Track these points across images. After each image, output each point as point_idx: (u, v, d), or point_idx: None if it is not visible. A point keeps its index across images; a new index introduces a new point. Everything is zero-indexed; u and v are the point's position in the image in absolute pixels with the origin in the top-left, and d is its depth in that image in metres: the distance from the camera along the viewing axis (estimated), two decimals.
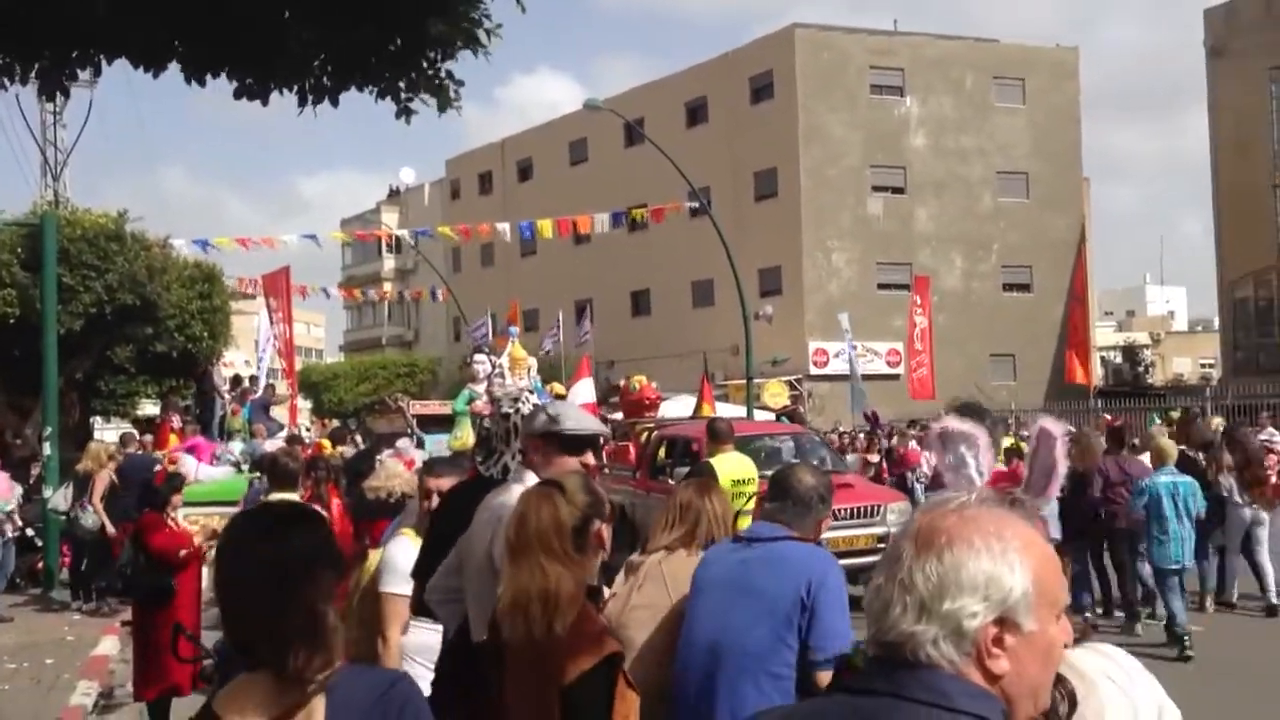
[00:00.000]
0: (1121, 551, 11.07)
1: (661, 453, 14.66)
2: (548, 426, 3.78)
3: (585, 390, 17.20)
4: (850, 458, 18.88)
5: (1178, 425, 17.26)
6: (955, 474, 2.69)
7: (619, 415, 18.99)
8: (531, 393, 4.56)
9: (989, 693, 1.59)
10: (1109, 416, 21.67)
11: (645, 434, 16.27)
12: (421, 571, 4.10)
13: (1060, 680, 2.06)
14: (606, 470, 14.62)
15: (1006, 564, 1.62)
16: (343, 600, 5.68)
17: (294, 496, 6.64)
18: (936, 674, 1.58)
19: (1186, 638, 9.70)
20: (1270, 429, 18.72)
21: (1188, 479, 10.47)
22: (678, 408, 20.74)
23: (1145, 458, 11.37)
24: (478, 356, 16.42)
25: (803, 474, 3.79)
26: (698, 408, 18.48)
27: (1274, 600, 11.49)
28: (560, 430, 3.76)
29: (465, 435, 14.62)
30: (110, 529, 12.23)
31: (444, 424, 16.38)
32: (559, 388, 17.75)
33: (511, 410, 4.21)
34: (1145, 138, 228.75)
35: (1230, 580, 11.95)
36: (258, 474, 11.41)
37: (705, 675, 3.44)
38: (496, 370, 15.88)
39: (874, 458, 18.52)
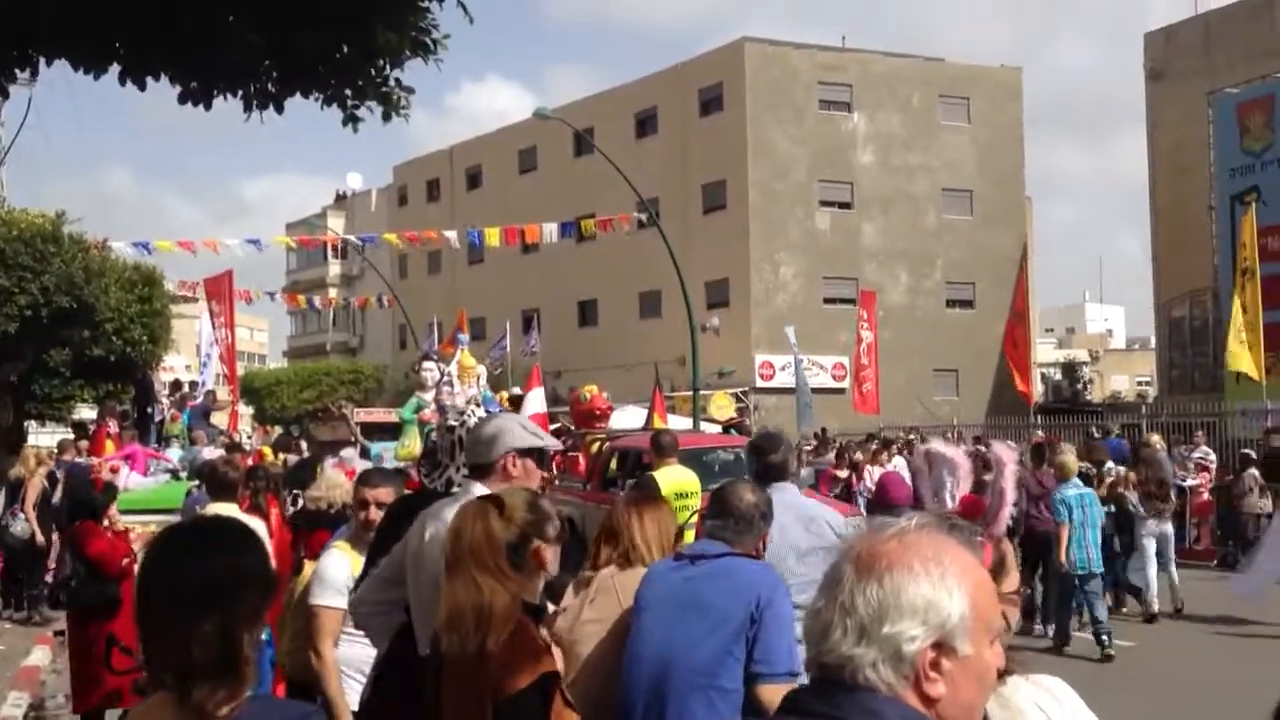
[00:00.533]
0: (1051, 563, 11.40)
1: (613, 465, 14.51)
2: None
3: (536, 400, 16.96)
4: (804, 471, 18.71)
5: (1082, 443, 17.61)
6: (934, 497, 2.72)
7: (555, 426, 18.71)
8: (479, 404, 4.54)
9: (924, 716, 1.60)
10: (1040, 434, 21.94)
11: (596, 445, 16.09)
12: None
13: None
14: (557, 482, 14.50)
15: (945, 589, 1.64)
16: (275, 617, 5.61)
17: (232, 507, 6.52)
18: (873, 697, 1.58)
19: (1106, 637, 10.44)
20: (1204, 447, 19.10)
21: (1089, 491, 11.48)
22: (625, 419, 20.68)
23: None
24: (426, 364, 16.07)
25: (744, 491, 3.81)
26: (649, 419, 18.38)
27: (1154, 609, 12.51)
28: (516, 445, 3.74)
29: (412, 444, 14.42)
30: (40, 537, 11.98)
31: (388, 432, 16.24)
32: (506, 396, 17.61)
33: (457, 423, 4.18)
34: (1086, 158, 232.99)
35: (1148, 591, 12.63)
36: (197, 482, 11.23)
37: (653, 691, 3.44)
38: (445, 378, 15.65)
39: (843, 473, 18.46)
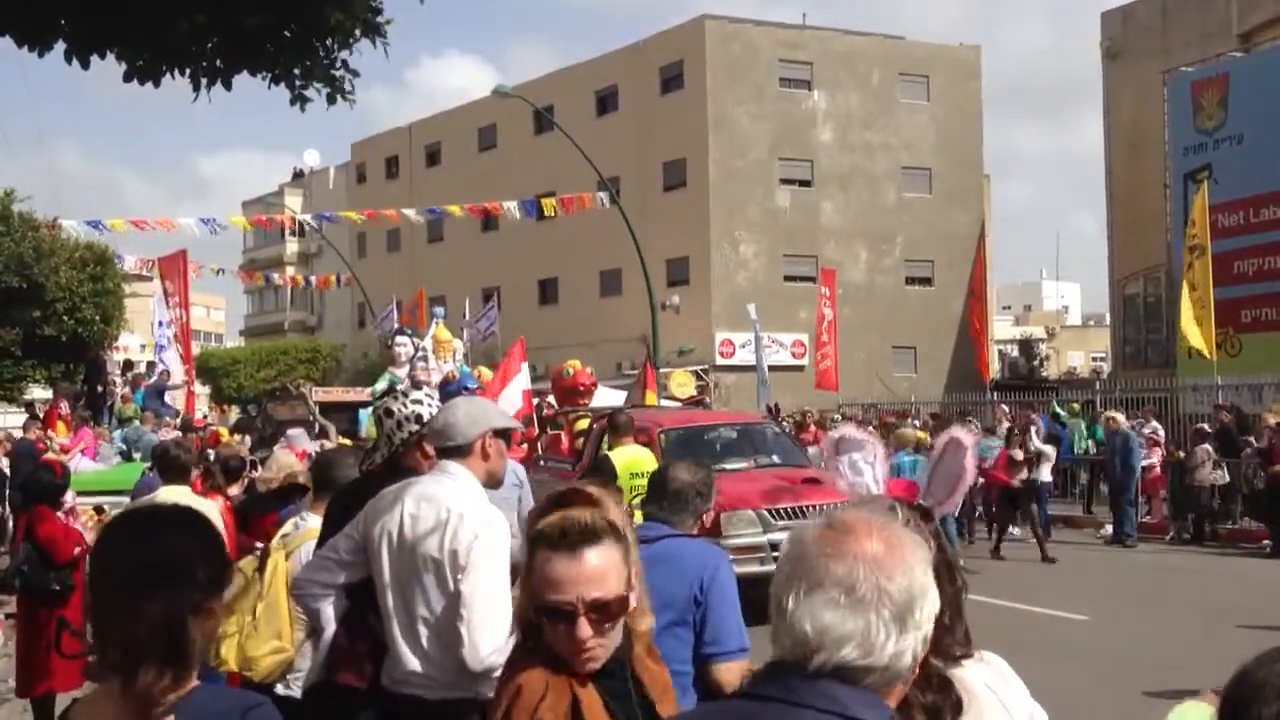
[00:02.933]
0: None
1: (605, 444, 13.84)
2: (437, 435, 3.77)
3: (521, 376, 15.75)
4: (812, 450, 18.40)
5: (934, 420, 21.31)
6: (851, 485, 2.72)
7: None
8: (432, 396, 4.51)
9: (881, 699, 1.60)
10: (1006, 408, 22.23)
11: (582, 422, 14.99)
12: None
13: (948, 688, 2.12)
14: (542, 463, 14.06)
15: (930, 574, 1.66)
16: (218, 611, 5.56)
17: (185, 489, 6.47)
18: (832, 683, 1.57)
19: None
20: (1154, 422, 19.38)
21: (916, 457, 12.98)
22: (596, 397, 20.32)
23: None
24: (399, 339, 15.47)
25: (678, 471, 3.82)
26: (641, 394, 17.88)
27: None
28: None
29: None
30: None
31: (347, 411, 16.02)
32: (487, 373, 16.89)
33: (396, 408, 4.17)
34: (1044, 137, 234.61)
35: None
36: (149, 464, 11.12)
37: None
38: (420, 353, 15.17)
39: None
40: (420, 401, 4.19)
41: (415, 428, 4.10)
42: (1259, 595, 11.71)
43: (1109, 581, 13.75)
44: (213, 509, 6.52)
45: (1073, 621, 11.20)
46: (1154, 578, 13.98)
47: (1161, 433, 19.06)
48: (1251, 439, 17.16)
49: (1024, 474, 15.98)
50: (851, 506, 1.72)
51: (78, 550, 7.08)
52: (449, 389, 13.20)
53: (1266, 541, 15.84)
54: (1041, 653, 8.53)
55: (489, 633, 3.46)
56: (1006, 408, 21.53)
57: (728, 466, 11.58)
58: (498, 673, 3.52)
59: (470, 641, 3.44)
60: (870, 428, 14.63)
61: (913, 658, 1.60)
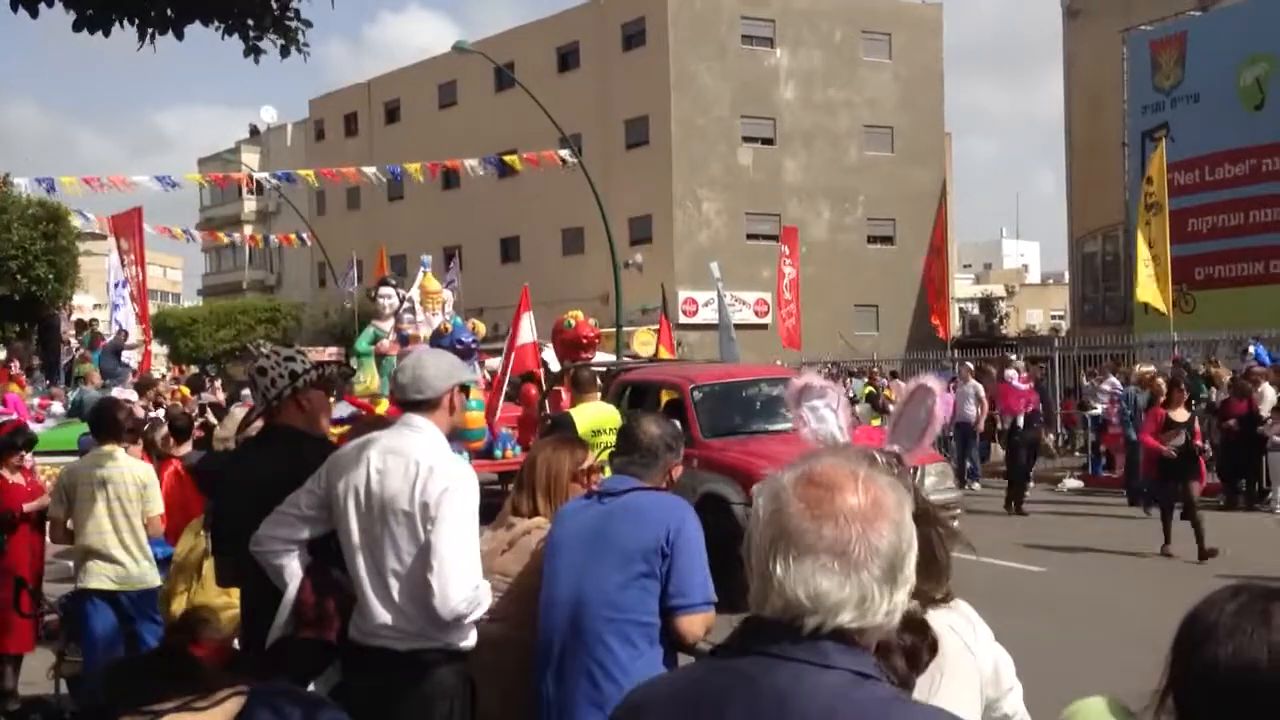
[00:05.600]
0: None
1: (625, 404, 11.90)
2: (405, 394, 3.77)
3: (525, 327, 14.57)
4: (860, 408, 17.59)
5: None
6: (815, 433, 2.71)
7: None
8: (304, 353, 4.54)
9: (866, 650, 1.59)
10: (971, 365, 22.39)
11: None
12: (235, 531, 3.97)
13: (924, 628, 2.14)
14: (549, 422, 13.22)
15: (910, 522, 1.63)
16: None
17: (119, 449, 6.38)
18: (825, 642, 1.55)
19: None
20: (1112, 378, 19.61)
21: None
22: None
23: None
24: (384, 290, 14.59)
25: (647, 424, 3.82)
26: (656, 349, 17.39)
27: None
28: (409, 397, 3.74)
29: (370, 379, 13.85)
30: None
31: None
32: (481, 325, 16.45)
33: (268, 365, 4.19)
34: (1005, 95, 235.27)
35: None
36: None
37: (569, 629, 3.45)
38: (406, 304, 14.67)
39: None
40: (293, 359, 4.25)
41: (287, 384, 4.14)
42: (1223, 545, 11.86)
43: (1068, 535, 13.95)
44: (149, 471, 6.47)
45: (1029, 573, 11.37)
46: (1117, 530, 14.18)
47: (1121, 388, 19.29)
48: (1209, 395, 17.41)
49: (1179, 439, 12.14)
50: (827, 455, 1.67)
51: (26, 507, 6.97)
52: (442, 342, 12.79)
53: (1222, 495, 16.09)
54: (999, 602, 8.66)
55: (458, 582, 3.48)
56: (971, 365, 21.67)
57: (770, 428, 10.61)
58: (469, 620, 3.53)
59: (440, 591, 3.46)
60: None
61: (900, 611, 1.59)
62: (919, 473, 10.65)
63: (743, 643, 1.60)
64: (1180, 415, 12.36)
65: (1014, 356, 20.60)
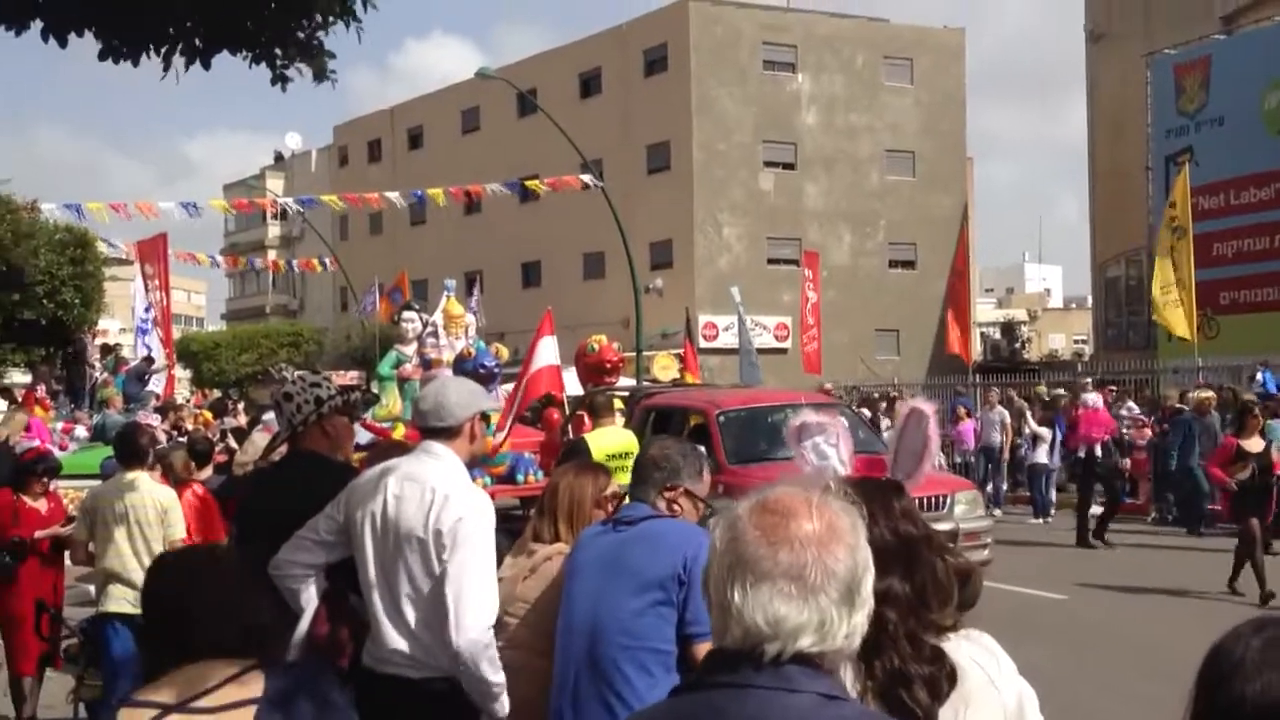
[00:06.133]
0: None
1: (650, 429, 11.76)
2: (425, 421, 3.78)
3: (548, 350, 14.04)
4: (887, 435, 16.85)
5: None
6: (818, 470, 2.70)
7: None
8: (329, 379, 4.55)
9: (827, 672, 1.60)
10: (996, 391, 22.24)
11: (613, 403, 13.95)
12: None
13: (941, 658, 2.12)
14: None
15: (865, 548, 1.65)
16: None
17: (144, 474, 6.43)
18: (787, 667, 1.56)
19: None
20: (1130, 403, 19.46)
21: None
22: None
23: None
24: (406, 314, 14.27)
25: (646, 447, 3.85)
26: (680, 374, 17.20)
27: None
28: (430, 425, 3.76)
29: (392, 403, 13.85)
30: None
31: None
32: (504, 350, 16.41)
33: (294, 391, 4.21)
34: (1027, 119, 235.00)
35: None
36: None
37: (585, 656, 3.44)
38: (429, 329, 14.65)
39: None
40: (318, 385, 4.27)
41: (313, 409, 4.16)
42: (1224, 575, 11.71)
43: (1090, 562, 13.82)
44: (171, 496, 6.51)
45: (1051, 600, 11.26)
46: (1141, 558, 14.05)
47: (1138, 412, 19.14)
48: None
49: (1246, 472, 11.03)
50: (781, 484, 1.68)
51: (25, 537, 7.02)
52: (466, 366, 12.78)
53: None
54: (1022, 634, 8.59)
55: (473, 613, 3.48)
56: (998, 390, 21.52)
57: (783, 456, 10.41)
58: (490, 651, 3.52)
59: (456, 620, 3.46)
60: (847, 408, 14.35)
61: (860, 634, 1.59)
62: (949, 501, 10.58)
63: (706, 676, 1.60)
64: (1254, 445, 11.30)
65: (1087, 380, 19.39)
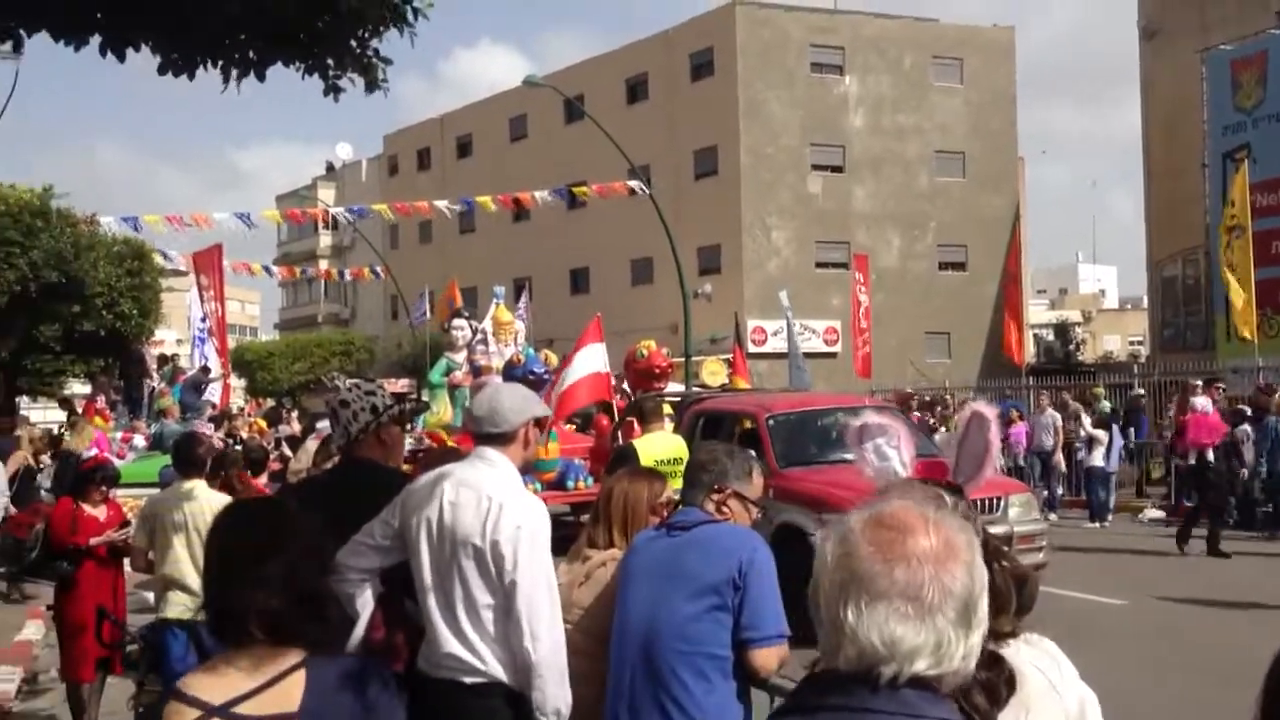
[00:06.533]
0: None
1: (699, 434, 11.71)
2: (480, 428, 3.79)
3: (596, 357, 14.12)
4: (939, 437, 15.93)
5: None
6: (879, 472, 2.67)
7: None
8: (383, 387, 4.56)
9: (944, 696, 1.55)
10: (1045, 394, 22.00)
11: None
12: None
13: (999, 663, 2.10)
14: None
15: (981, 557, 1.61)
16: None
17: (201, 483, 6.53)
18: (903, 691, 1.51)
19: None
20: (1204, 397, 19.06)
21: None
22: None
23: None
24: (456, 321, 14.66)
25: (695, 451, 3.83)
26: (730, 379, 17.12)
27: None
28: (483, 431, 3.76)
29: (442, 410, 13.92)
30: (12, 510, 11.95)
31: None
32: (554, 357, 16.46)
33: (351, 398, 4.23)
34: (1079, 118, 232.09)
35: None
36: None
37: (641, 662, 3.44)
38: (479, 336, 14.70)
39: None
40: (374, 393, 4.28)
41: (370, 418, 4.17)
42: None
43: (1149, 567, 13.60)
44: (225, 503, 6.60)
45: (1109, 606, 11.10)
46: (1201, 563, 13.80)
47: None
48: None
49: None
50: (894, 495, 1.64)
51: (94, 541, 7.14)
52: (515, 373, 12.85)
53: None
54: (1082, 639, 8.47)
55: (547, 623, 3.51)
56: (1048, 394, 21.24)
57: (847, 457, 10.42)
58: (563, 661, 3.51)
59: (532, 633, 3.49)
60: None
61: (976, 656, 1.55)
62: (1003, 503, 10.48)
63: (817, 697, 1.54)
64: None
65: (1197, 383, 18.51)
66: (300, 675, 2.14)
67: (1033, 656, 2.27)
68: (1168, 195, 31.68)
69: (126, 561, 7.16)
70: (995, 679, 2.06)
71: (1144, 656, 9.00)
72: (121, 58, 5.62)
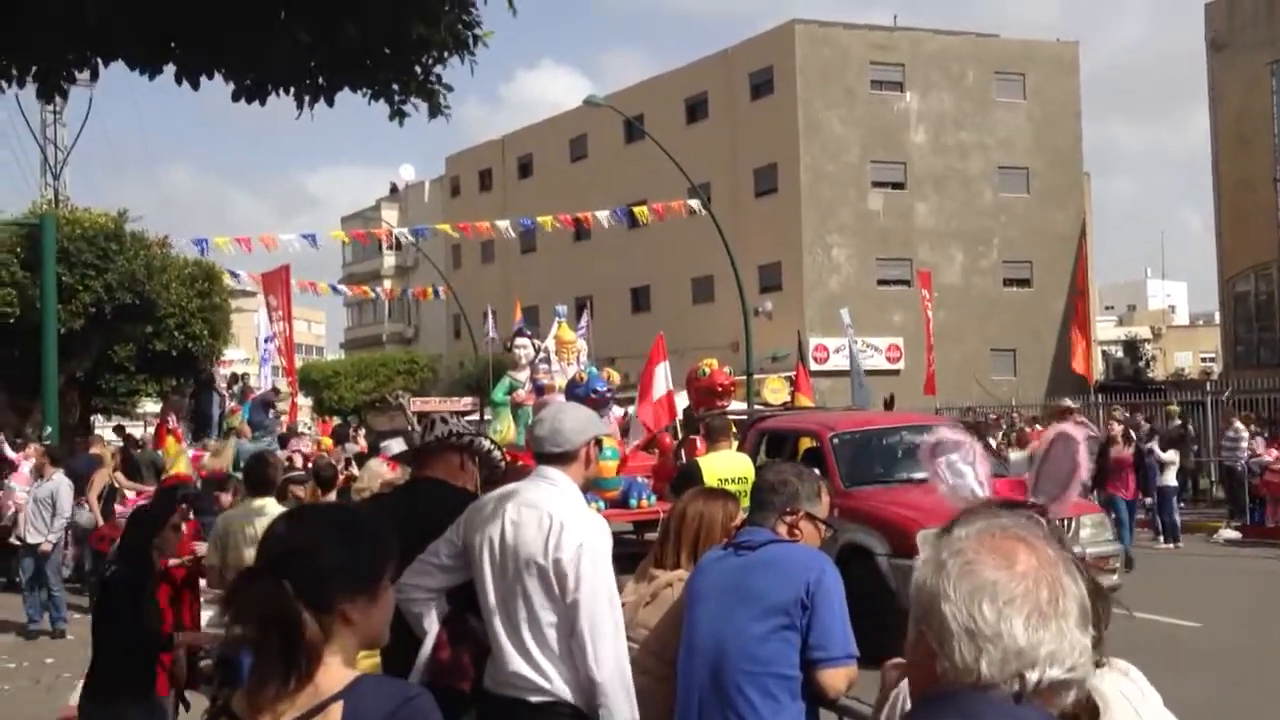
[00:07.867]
0: None
1: (763, 453, 11.90)
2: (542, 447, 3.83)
3: (660, 377, 14.40)
4: (1015, 455, 15.65)
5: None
6: (953, 489, 2.64)
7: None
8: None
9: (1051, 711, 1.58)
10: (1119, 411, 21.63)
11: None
12: None
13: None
14: None
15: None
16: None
17: (271, 500, 6.63)
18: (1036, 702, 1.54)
19: None
20: (1236, 424, 18.66)
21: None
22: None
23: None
24: (519, 340, 14.85)
25: (761, 473, 3.82)
26: (793, 397, 16.98)
27: None
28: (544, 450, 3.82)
29: (506, 429, 14.02)
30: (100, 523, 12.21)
31: None
32: (616, 375, 16.52)
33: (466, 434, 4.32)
34: (1146, 132, 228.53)
35: None
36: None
37: (709, 682, 3.44)
38: (541, 355, 14.80)
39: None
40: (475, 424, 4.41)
41: (471, 433, 4.36)
42: None
43: (1225, 588, 13.29)
44: None
45: (1186, 628, 10.86)
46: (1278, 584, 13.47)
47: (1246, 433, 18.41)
48: None
49: None
50: (982, 514, 1.67)
51: (171, 562, 7.26)
52: (577, 391, 12.89)
53: None
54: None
55: (611, 643, 3.51)
56: (1121, 410, 20.87)
57: (913, 476, 10.11)
58: (629, 680, 3.52)
59: (595, 654, 3.48)
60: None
61: (1090, 658, 1.59)
62: (1072, 524, 10.32)
63: (962, 705, 1.53)
64: None
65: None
66: (338, 708, 2.03)
67: (1120, 685, 2.23)
68: (1238, 209, 31.08)
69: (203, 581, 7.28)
70: (1076, 706, 2.03)
71: (1223, 679, 8.79)
72: (196, 85, 5.76)
